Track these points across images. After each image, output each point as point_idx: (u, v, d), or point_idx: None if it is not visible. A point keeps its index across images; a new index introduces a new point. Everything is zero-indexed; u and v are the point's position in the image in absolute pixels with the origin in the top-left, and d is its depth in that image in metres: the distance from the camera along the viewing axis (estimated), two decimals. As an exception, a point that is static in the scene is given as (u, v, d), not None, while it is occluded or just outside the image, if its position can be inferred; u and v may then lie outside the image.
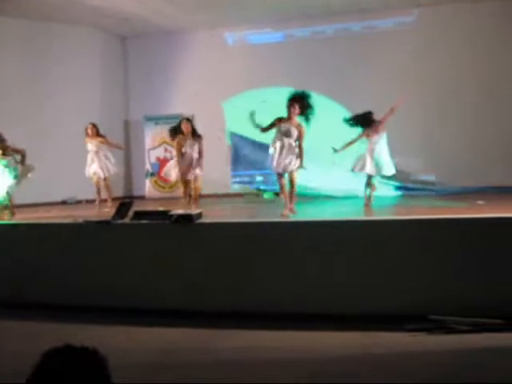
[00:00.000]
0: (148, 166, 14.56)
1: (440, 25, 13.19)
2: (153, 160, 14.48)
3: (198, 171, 9.12)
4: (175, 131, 9.56)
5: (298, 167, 7.53)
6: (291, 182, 7.57)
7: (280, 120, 7.77)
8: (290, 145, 7.59)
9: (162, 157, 14.37)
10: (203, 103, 14.39)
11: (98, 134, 10.75)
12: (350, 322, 5.12)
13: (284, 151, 7.54)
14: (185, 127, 9.33)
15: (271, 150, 7.69)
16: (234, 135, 13.90)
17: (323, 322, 5.16)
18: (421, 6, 13.22)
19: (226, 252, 5.68)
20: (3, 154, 8.96)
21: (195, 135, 9.38)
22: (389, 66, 13.37)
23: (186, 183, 9.19)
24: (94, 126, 10.76)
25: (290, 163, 7.49)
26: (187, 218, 5.84)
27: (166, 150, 14.37)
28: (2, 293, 6.27)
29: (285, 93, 8.29)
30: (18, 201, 9.59)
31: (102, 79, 14.83)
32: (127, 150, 15.32)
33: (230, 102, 13.67)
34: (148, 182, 14.53)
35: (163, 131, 13.66)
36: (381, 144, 9.19)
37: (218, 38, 14.79)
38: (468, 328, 4.83)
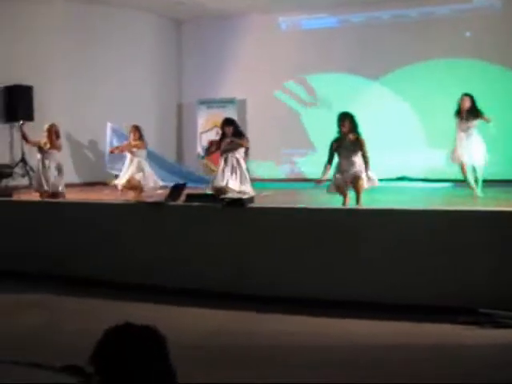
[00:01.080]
0: (200, 149, 14.69)
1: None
2: (204, 143, 14.58)
3: None
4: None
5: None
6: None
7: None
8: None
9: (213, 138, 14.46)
10: (256, 88, 14.43)
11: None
12: (402, 312, 5.10)
13: None
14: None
15: None
16: None
17: (374, 311, 5.14)
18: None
19: (276, 237, 5.71)
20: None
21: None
22: (446, 53, 13.13)
23: None
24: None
25: None
26: (239, 202, 5.90)
27: (217, 133, 14.45)
28: (55, 268, 6.45)
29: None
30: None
31: (156, 63, 15.03)
32: (179, 132, 15.52)
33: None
34: (200, 165, 14.67)
35: (216, 115, 13.79)
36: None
37: (271, 23, 14.78)
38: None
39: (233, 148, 8.88)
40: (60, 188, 9.36)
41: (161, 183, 10.32)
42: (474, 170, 9.44)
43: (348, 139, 7.69)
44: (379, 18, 13.82)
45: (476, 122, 9.33)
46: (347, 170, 7.63)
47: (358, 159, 7.68)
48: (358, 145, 7.69)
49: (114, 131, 12.62)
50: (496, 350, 4.43)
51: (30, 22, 12.80)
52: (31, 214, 7.03)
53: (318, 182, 7.94)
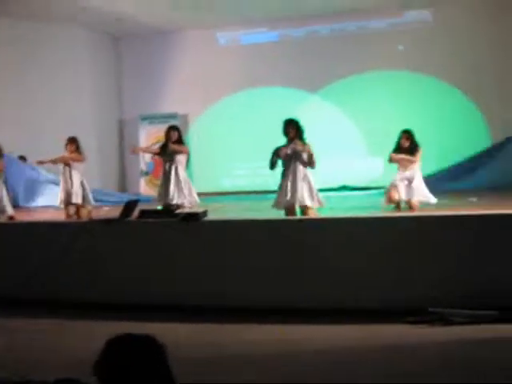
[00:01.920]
0: (142, 165, 14.72)
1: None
2: (147, 159, 14.64)
3: None
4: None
5: None
6: None
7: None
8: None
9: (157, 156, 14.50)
10: (197, 102, 14.59)
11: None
12: (351, 316, 5.31)
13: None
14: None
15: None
16: None
17: (324, 316, 5.35)
18: (412, 8, 13.50)
19: (231, 249, 5.86)
20: None
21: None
22: (380, 65, 13.64)
23: None
24: None
25: None
26: (194, 217, 6.03)
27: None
28: (13, 289, 6.41)
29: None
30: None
31: (95, 79, 14.99)
32: (121, 149, 15.51)
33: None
34: (143, 181, 14.69)
35: (158, 130, 13.84)
36: None
37: (209, 38, 15.01)
38: (465, 320, 5.05)
39: (174, 154, 8.74)
40: (5, 210, 9.18)
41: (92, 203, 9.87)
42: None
43: (295, 147, 7.64)
44: (318, 32, 14.26)
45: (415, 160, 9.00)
46: (293, 191, 7.58)
47: (302, 174, 7.65)
48: (304, 153, 7.62)
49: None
50: (446, 346, 4.69)
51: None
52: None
53: None
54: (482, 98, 13.27)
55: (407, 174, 8.93)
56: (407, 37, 13.66)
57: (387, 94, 13.51)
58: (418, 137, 9.09)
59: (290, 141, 7.69)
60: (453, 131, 13.20)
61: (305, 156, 7.62)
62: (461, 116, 13.38)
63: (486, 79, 13.17)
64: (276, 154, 7.72)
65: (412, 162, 8.87)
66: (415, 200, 8.80)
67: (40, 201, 12.37)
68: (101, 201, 11.37)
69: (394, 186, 8.98)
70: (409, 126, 9.13)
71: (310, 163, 7.62)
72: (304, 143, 7.65)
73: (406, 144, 8.90)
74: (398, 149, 8.99)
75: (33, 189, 12.54)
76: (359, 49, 13.81)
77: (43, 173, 12.50)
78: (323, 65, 14.02)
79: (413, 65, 13.41)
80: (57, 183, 10.52)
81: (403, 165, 8.94)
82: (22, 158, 12.39)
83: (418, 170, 9.00)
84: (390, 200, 9.07)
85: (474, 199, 10.41)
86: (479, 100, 13.26)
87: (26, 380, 2.37)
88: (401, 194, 8.87)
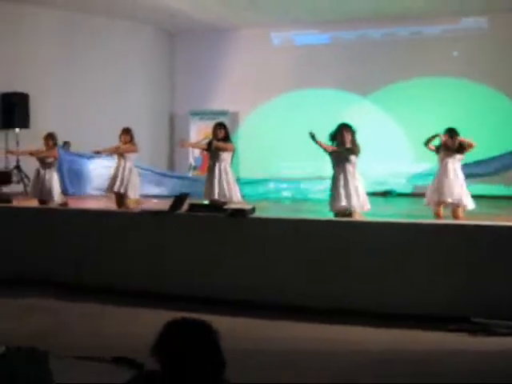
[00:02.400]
0: (191, 160, 14.93)
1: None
2: (196, 154, 14.83)
3: None
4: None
5: None
6: None
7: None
8: None
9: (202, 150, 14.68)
10: (248, 101, 14.72)
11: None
12: (393, 320, 5.35)
13: None
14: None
15: None
16: None
17: (366, 319, 5.39)
18: (467, 15, 13.37)
19: (276, 246, 5.96)
20: None
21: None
22: (432, 72, 13.55)
23: None
24: None
25: None
26: (242, 213, 6.15)
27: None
28: (61, 274, 6.64)
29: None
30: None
31: (149, 74, 15.27)
32: (172, 143, 15.77)
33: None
34: (191, 175, 14.88)
35: (208, 126, 14.00)
36: None
37: (263, 38, 15.11)
38: (508, 331, 5.04)
39: (219, 151, 8.83)
40: (56, 196, 9.49)
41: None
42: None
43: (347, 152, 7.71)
44: (370, 36, 14.24)
45: (460, 157, 8.80)
46: (346, 195, 7.66)
47: (351, 180, 7.71)
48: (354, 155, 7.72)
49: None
50: (487, 356, 4.69)
51: (30, 30, 13.00)
52: (32, 220, 7.19)
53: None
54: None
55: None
56: (462, 43, 13.53)
57: (438, 100, 13.40)
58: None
59: (343, 145, 7.75)
60: (502, 141, 13.00)
61: (353, 158, 7.68)
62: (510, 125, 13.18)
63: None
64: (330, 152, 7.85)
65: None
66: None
67: (88, 189, 12.61)
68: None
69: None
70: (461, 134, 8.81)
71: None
72: (354, 147, 7.74)
73: (449, 144, 8.65)
74: (440, 148, 8.78)
75: (80, 176, 12.79)
76: (411, 54, 13.74)
77: (92, 161, 12.76)
78: (374, 69, 13.99)
79: (465, 72, 13.27)
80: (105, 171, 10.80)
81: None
82: (66, 144, 12.65)
83: (459, 170, 8.78)
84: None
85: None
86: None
87: (87, 356, 2.50)
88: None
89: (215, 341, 2.04)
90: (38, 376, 2.14)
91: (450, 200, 8.63)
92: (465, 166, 9.12)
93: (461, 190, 8.69)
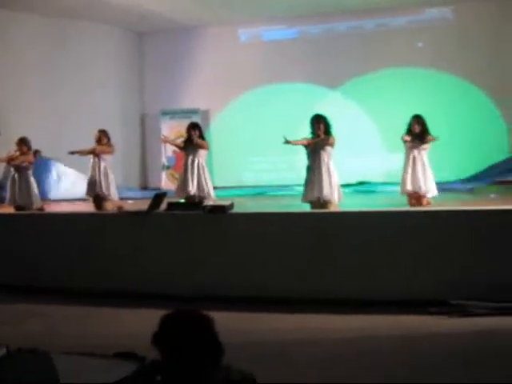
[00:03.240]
0: (164, 159, 14.95)
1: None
2: (169, 153, 14.86)
3: None
4: None
5: None
6: None
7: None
8: None
9: (177, 149, 14.73)
10: (218, 98, 14.78)
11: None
12: (375, 306, 5.49)
13: None
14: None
15: None
16: None
17: (348, 307, 5.53)
18: (431, 5, 13.60)
19: (257, 240, 6.05)
20: None
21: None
22: (399, 62, 13.76)
23: None
24: None
25: None
26: (221, 209, 6.22)
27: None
28: (45, 279, 6.65)
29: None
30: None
31: (118, 75, 15.23)
32: (143, 143, 15.76)
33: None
34: (164, 175, 14.91)
35: (179, 125, 14.05)
36: None
37: (231, 35, 15.19)
38: (485, 311, 5.21)
39: (197, 149, 8.90)
40: (35, 201, 9.45)
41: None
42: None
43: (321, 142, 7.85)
44: (336, 30, 14.39)
45: (426, 146, 8.90)
46: (318, 185, 7.80)
47: (325, 170, 7.84)
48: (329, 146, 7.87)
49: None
50: (465, 336, 4.86)
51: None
52: (15, 226, 7.19)
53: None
54: (500, 95, 13.34)
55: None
56: (427, 34, 13.76)
57: (405, 90, 13.62)
58: (435, 132, 9.03)
59: (318, 136, 7.87)
60: (470, 128, 13.29)
61: (328, 149, 7.83)
62: (479, 113, 13.46)
63: (505, 77, 13.25)
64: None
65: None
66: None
67: (62, 193, 12.62)
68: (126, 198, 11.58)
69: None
70: (427, 122, 8.94)
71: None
72: (329, 137, 7.88)
73: (417, 129, 8.78)
74: (409, 134, 8.87)
75: (52, 181, 12.80)
76: (378, 46, 13.94)
77: (61, 165, 12.77)
78: (342, 62, 14.16)
79: (432, 62, 13.51)
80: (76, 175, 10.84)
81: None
82: (37, 152, 12.57)
83: (426, 160, 8.90)
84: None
85: (494, 195, 10.57)
86: (498, 97, 13.33)
87: (89, 352, 2.57)
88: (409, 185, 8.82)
89: (212, 328, 2.14)
90: (42, 375, 2.21)
91: (421, 189, 8.80)
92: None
93: (429, 179, 8.86)
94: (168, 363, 2.07)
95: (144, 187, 15.36)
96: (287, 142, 8.09)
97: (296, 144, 8.17)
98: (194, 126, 9.12)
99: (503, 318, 5.14)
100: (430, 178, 8.87)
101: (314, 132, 7.94)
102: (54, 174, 13.02)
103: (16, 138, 9.69)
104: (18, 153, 9.52)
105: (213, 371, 2.06)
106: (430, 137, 8.84)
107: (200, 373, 2.04)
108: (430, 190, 8.85)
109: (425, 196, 8.83)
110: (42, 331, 5.23)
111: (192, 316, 2.16)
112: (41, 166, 12.13)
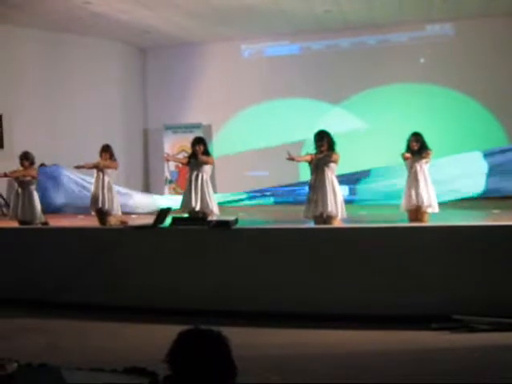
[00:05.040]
0: (167, 174, 15.00)
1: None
2: (172, 168, 14.92)
3: None
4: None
5: None
6: None
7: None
8: None
9: (180, 165, 14.78)
10: (221, 113, 14.87)
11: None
12: (377, 322, 5.50)
13: None
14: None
15: None
16: None
17: (350, 322, 5.55)
18: (433, 22, 13.70)
19: (261, 256, 6.09)
20: None
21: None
22: (401, 79, 13.85)
23: None
24: None
25: None
26: (225, 224, 6.26)
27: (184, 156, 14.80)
28: (48, 293, 6.67)
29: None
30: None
31: (121, 89, 15.34)
32: (146, 157, 15.83)
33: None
34: (167, 189, 14.96)
35: (182, 139, 14.15)
36: None
37: (234, 51, 15.31)
38: (489, 327, 5.23)
39: (202, 165, 8.87)
40: (38, 216, 9.48)
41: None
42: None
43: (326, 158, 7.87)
44: (338, 46, 14.51)
45: (426, 161, 8.90)
46: (318, 201, 7.83)
47: (329, 186, 7.87)
48: (334, 163, 7.90)
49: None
50: (468, 352, 4.87)
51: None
52: (17, 240, 7.21)
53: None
54: (501, 111, 13.42)
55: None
56: (429, 50, 13.88)
57: (408, 106, 13.71)
58: (436, 149, 9.15)
59: (321, 152, 7.91)
60: (472, 145, 13.33)
61: (332, 165, 7.86)
62: (481, 130, 13.52)
63: (507, 92, 13.32)
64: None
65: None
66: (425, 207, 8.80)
67: (67, 207, 12.66)
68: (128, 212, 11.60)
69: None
70: (428, 139, 9.02)
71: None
72: (333, 153, 7.93)
73: (416, 147, 8.83)
74: (408, 151, 8.90)
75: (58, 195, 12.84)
76: (380, 62, 14.04)
77: (67, 179, 12.81)
78: (345, 77, 14.26)
79: (434, 78, 13.61)
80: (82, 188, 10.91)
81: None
82: (43, 165, 12.66)
83: (427, 174, 8.91)
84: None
85: (497, 211, 10.61)
86: (499, 114, 13.41)
87: (99, 368, 2.59)
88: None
89: (227, 348, 2.17)
90: (53, 389, 2.23)
91: (424, 204, 8.82)
92: None
93: (431, 195, 8.90)
94: (181, 380, 2.10)
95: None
96: (290, 158, 8.12)
97: (299, 161, 8.21)
98: (198, 141, 9.07)
99: (506, 333, 5.16)
100: (432, 194, 8.91)
101: (318, 148, 7.97)
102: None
103: (19, 153, 9.73)
104: (21, 168, 9.56)
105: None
106: (428, 151, 8.90)
107: None
108: (432, 206, 8.88)
109: (426, 212, 8.85)
110: (42, 346, 5.24)
111: (209, 335, 2.19)
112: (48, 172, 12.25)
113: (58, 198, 12.50)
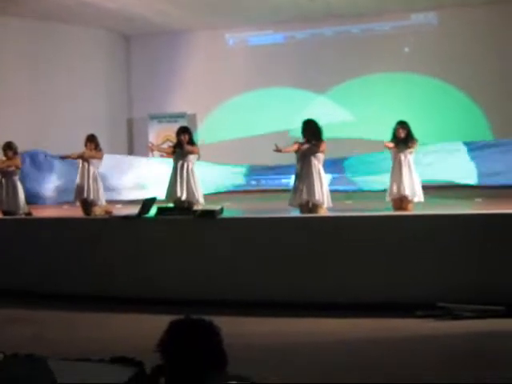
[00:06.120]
0: (152, 163, 14.93)
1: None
2: (156, 157, 14.84)
3: None
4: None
5: None
6: None
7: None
8: None
9: (165, 154, 14.72)
10: (205, 102, 14.83)
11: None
12: (364, 310, 5.54)
13: None
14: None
15: None
16: None
17: (337, 310, 5.58)
18: (417, 11, 13.74)
19: (247, 245, 6.10)
20: None
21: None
22: (385, 67, 13.88)
23: None
24: None
25: None
26: (210, 214, 6.26)
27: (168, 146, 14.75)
28: (34, 284, 6.64)
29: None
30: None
31: (106, 78, 15.22)
32: (130, 147, 15.76)
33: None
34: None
35: (167, 129, 14.10)
36: None
37: (218, 39, 15.24)
38: (473, 314, 5.29)
39: (187, 155, 8.85)
40: (21, 206, 9.42)
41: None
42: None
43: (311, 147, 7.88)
44: (323, 35, 14.49)
45: (411, 150, 8.90)
46: (304, 188, 7.86)
47: (316, 175, 7.89)
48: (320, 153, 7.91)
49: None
50: (453, 339, 4.93)
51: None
52: (1, 231, 7.17)
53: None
54: (485, 99, 13.50)
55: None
56: (413, 39, 13.92)
57: (392, 95, 13.75)
58: (421, 137, 9.16)
59: (308, 141, 7.91)
60: (456, 133, 13.42)
61: (320, 155, 7.87)
62: (464, 118, 13.61)
63: (490, 81, 13.40)
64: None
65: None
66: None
67: (48, 198, 12.58)
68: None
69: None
70: (414, 127, 8.99)
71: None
72: (320, 142, 7.93)
73: (402, 134, 8.82)
74: (394, 139, 8.91)
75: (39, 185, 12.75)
76: (365, 51, 14.06)
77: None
78: (329, 66, 14.27)
79: (418, 66, 13.66)
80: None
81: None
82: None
83: (412, 163, 8.93)
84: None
85: (479, 200, 10.70)
86: (483, 102, 13.50)
87: (85, 358, 2.59)
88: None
89: (219, 338, 2.18)
90: (39, 380, 2.23)
91: (408, 194, 8.85)
92: None
93: (415, 184, 8.94)
94: (173, 369, 2.11)
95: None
96: (278, 150, 8.11)
97: (287, 151, 8.19)
98: (183, 131, 9.02)
99: (490, 320, 5.22)
100: (417, 183, 8.95)
101: (305, 137, 7.97)
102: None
103: (2, 143, 9.65)
104: (3, 158, 9.49)
105: (214, 377, 2.10)
106: (414, 141, 8.92)
107: (203, 379, 2.08)
108: (417, 195, 8.93)
109: (411, 201, 8.90)
110: (28, 336, 5.21)
111: (200, 324, 2.20)
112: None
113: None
